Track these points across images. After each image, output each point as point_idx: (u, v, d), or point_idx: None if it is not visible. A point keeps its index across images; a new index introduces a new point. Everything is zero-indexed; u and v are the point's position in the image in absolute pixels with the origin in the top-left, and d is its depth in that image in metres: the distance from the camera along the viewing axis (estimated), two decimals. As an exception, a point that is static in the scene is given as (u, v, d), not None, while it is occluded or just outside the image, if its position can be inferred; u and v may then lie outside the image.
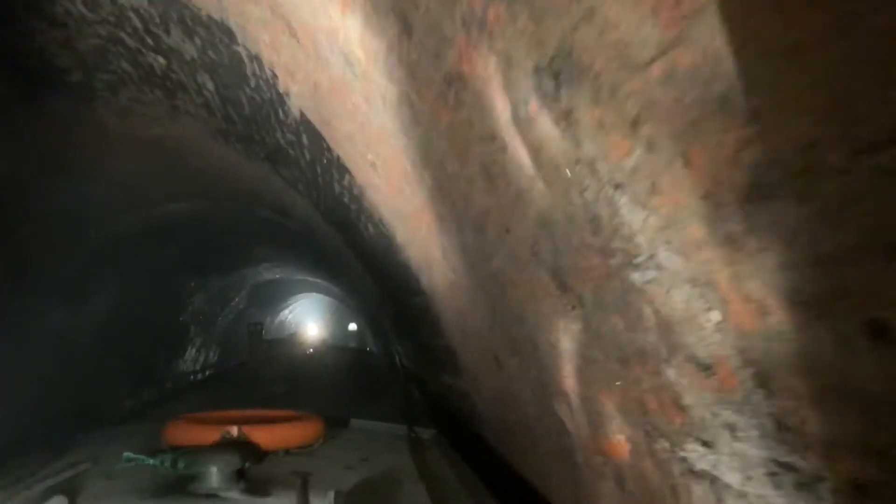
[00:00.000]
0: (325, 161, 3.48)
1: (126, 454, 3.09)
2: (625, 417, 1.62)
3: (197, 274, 10.50)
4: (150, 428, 4.00)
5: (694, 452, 1.35)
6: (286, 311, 23.91)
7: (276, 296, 18.50)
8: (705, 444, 1.30)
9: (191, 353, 12.40)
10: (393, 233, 3.46)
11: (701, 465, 1.33)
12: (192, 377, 11.04)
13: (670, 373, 1.34)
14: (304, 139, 3.40)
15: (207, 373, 12.01)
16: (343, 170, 3.31)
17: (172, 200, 6.37)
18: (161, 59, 3.30)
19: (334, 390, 8.40)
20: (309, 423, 3.80)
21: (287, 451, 3.52)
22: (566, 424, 2.06)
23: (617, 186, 1.27)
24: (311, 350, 18.61)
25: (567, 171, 1.42)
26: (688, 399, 1.31)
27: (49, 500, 2.52)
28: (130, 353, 8.37)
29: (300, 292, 20.54)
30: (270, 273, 14.33)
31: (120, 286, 7.44)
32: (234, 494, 2.75)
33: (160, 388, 8.83)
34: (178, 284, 10.02)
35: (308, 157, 3.71)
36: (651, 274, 1.28)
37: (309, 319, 27.74)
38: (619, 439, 1.69)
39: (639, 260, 1.30)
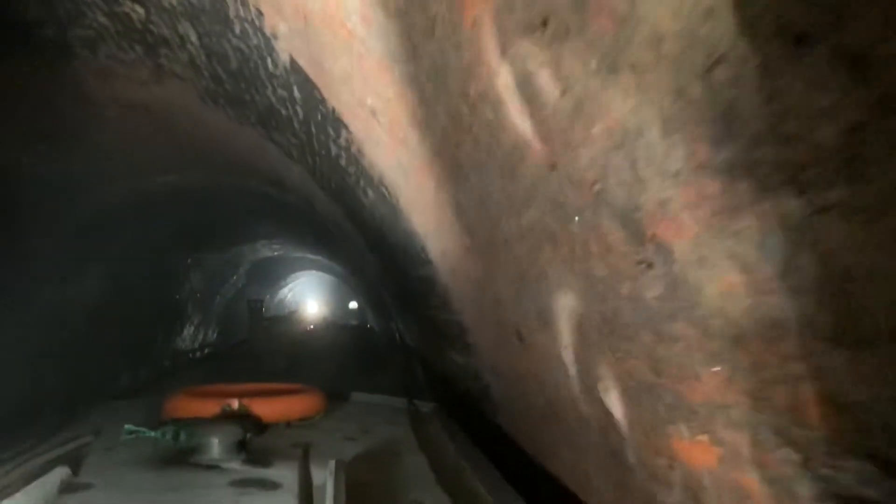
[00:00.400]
0: (319, 117, 3.28)
1: (127, 427, 3.09)
2: (722, 416, 1.25)
3: (193, 251, 10.24)
4: (151, 402, 4.00)
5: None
6: (286, 290, 23.87)
7: (275, 274, 18.33)
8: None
9: (189, 331, 12.24)
10: (396, 195, 3.23)
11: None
12: (190, 356, 10.92)
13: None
14: (296, 92, 3.19)
15: (206, 351, 11.85)
16: (339, 125, 3.11)
17: (163, 172, 6.11)
18: (139, 9, 3.09)
19: (335, 365, 8.33)
20: (309, 396, 3.78)
21: (288, 424, 3.50)
22: (614, 416, 1.76)
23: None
24: (312, 326, 18.57)
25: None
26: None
27: (51, 471, 2.49)
28: (126, 331, 8.19)
29: (300, 270, 20.34)
30: (269, 250, 14.13)
31: (113, 262, 7.22)
32: (236, 465, 2.71)
33: (157, 366, 8.69)
34: (173, 261, 9.75)
35: (301, 114, 3.51)
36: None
37: (309, 297, 27.71)
38: (702, 440, 1.34)
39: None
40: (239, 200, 7.90)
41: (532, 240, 1.89)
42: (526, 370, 2.60)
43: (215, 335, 14.32)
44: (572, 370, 1.98)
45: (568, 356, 1.98)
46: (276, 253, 14.68)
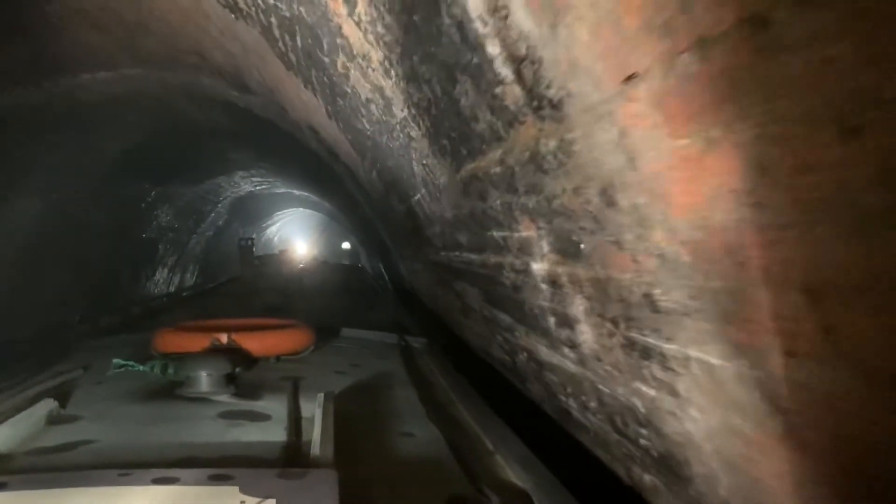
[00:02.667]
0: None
1: (115, 361, 3.12)
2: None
3: (156, 182, 9.12)
4: (140, 338, 4.01)
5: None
6: (273, 228, 23.50)
7: (260, 211, 17.61)
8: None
9: (162, 274, 11.45)
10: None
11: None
12: (165, 300, 10.10)
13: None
14: None
15: (185, 294, 11.16)
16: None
17: (91, 67, 4.99)
18: None
19: (327, 303, 8.35)
20: (299, 331, 3.78)
21: (277, 358, 3.50)
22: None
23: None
24: (303, 265, 18.58)
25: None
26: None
27: (38, 403, 2.49)
28: (79, 273, 7.39)
29: (287, 207, 19.81)
30: (249, 184, 12.98)
31: (50, 189, 6.25)
32: (225, 398, 2.70)
33: (124, 313, 7.61)
34: (133, 194, 8.71)
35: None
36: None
37: (298, 237, 27.34)
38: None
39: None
40: (196, 113, 6.63)
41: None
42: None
43: (195, 278, 13.52)
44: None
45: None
46: (258, 188, 13.71)
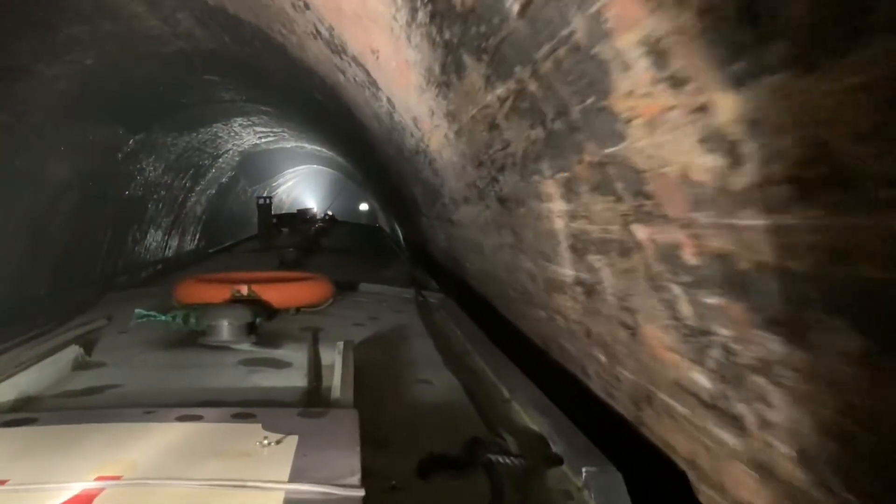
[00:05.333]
0: None
1: (138, 311, 3.16)
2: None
3: (132, 127, 7.69)
4: (162, 290, 4.10)
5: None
6: (283, 187, 22.61)
7: (268, 169, 16.18)
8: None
9: (155, 237, 10.13)
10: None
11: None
12: (158, 267, 8.98)
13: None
14: None
15: (159, 267, 9.62)
16: None
17: None
18: None
19: (344, 260, 8.37)
20: (318, 284, 3.82)
21: (297, 310, 3.54)
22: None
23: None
24: (319, 224, 18.63)
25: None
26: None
27: (63, 350, 2.55)
28: (38, 239, 6.22)
29: (298, 164, 18.82)
30: (250, 135, 11.36)
31: None
32: (246, 346, 2.75)
33: (104, 283, 6.81)
34: (101, 140, 7.24)
35: None
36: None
37: (312, 196, 26.83)
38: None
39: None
40: (156, 22, 5.17)
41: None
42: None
43: (196, 242, 12.15)
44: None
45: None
46: (262, 140, 12.15)
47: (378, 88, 3.92)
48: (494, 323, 3.90)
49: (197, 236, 12.27)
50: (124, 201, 8.56)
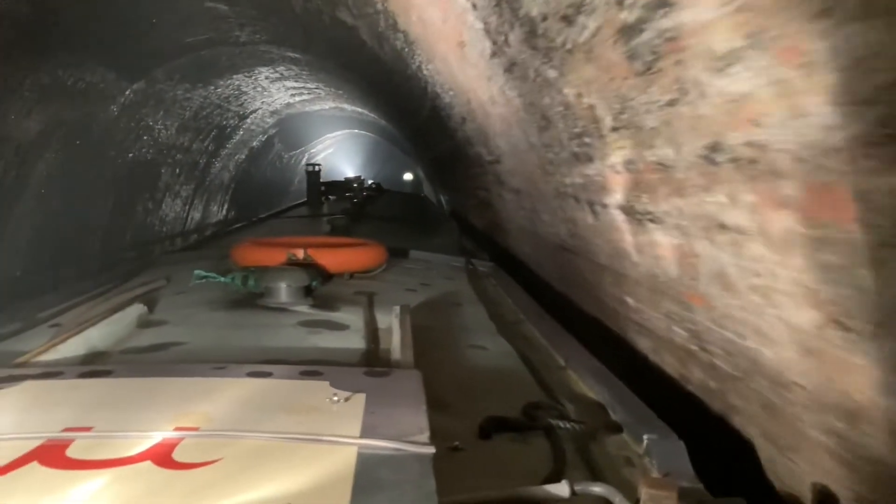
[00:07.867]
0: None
1: (197, 272, 3.20)
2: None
3: (127, 72, 6.23)
4: (219, 253, 4.20)
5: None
6: (322, 154, 21.82)
7: (303, 132, 14.63)
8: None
9: (172, 207, 8.87)
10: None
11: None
12: (178, 240, 7.80)
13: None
14: None
15: (209, 233, 8.28)
16: None
17: None
18: None
19: (394, 227, 8.42)
20: (371, 249, 3.85)
21: (351, 275, 3.58)
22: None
23: None
24: (366, 193, 18.75)
25: None
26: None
27: (128, 307, 2.62)
28: (19, 212, 5.15)
29: (336, 129, 17.87)
30: (281, 92, 9.67)
31: None
32: (303, 308, 2.80)
33: (102, 260, 5.59)
34: (86, 87, 5.76)
35: None
36: None
37: (348, 165, 26.23)
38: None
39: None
40: None
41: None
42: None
43: (224, 212, 10.75)
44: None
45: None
46: (297, 98, 10.39)
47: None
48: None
49: (225, 206, 10.98)
50: (131, 164, 7.33)
